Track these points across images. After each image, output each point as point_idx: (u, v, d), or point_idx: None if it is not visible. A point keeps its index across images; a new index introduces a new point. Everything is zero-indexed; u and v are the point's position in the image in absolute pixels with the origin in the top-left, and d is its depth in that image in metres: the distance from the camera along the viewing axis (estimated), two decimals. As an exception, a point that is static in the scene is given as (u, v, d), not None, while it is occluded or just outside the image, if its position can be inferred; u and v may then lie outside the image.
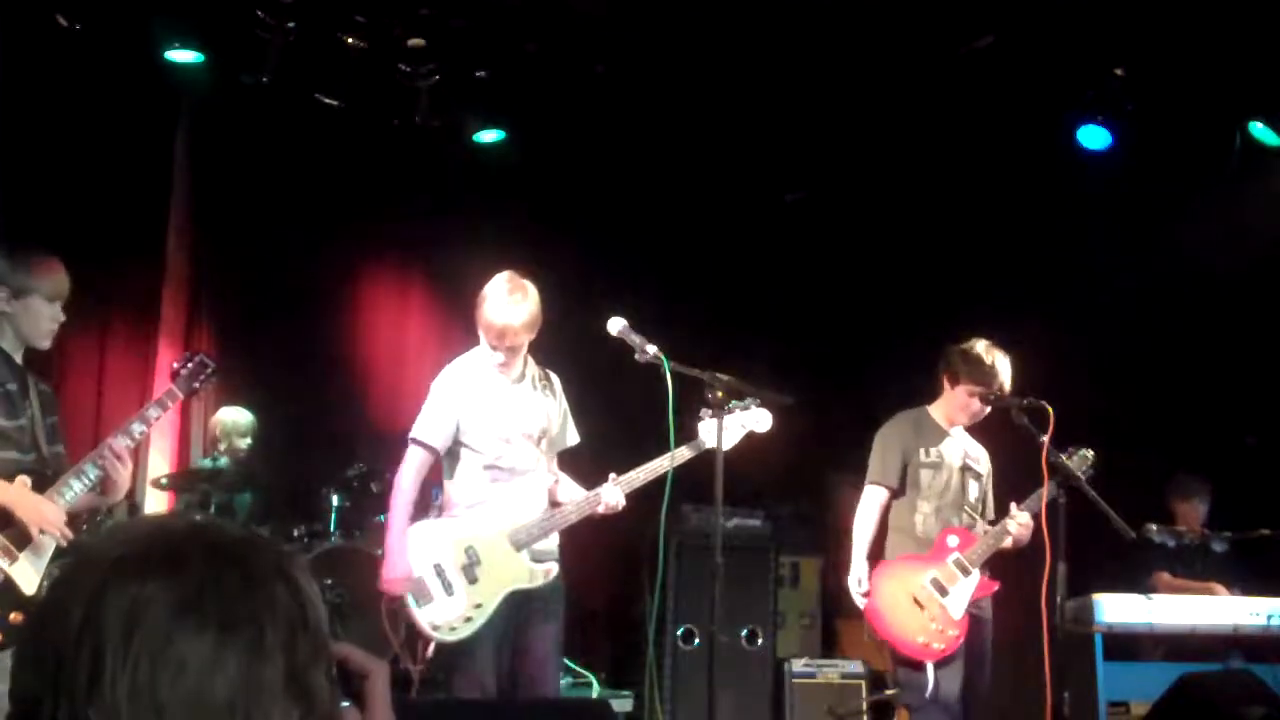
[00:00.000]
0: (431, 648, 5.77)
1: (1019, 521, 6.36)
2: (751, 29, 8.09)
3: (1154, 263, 8.39)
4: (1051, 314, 8.61)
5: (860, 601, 6.50)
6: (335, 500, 8.35)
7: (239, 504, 8.67)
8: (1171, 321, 8.44)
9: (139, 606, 1.28)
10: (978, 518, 6.58)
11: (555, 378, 6.05)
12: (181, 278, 9.32)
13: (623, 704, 8.25)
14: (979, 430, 6.78)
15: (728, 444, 5.65)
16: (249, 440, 8.88)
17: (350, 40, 8.15)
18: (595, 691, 8.42)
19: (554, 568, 5.80)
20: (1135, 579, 7.72)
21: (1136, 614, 7.09)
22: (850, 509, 6.80)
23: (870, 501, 6.61)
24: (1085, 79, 8.25)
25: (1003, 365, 6.53)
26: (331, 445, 9.10)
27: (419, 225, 9.90)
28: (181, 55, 8.01)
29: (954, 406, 6.61)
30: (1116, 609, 7.04)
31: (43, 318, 5.15)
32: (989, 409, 6.54)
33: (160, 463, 9.02)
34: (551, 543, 5.87)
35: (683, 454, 5.76)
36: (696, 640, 8.50)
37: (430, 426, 5.85)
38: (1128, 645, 7.18)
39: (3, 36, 7.64)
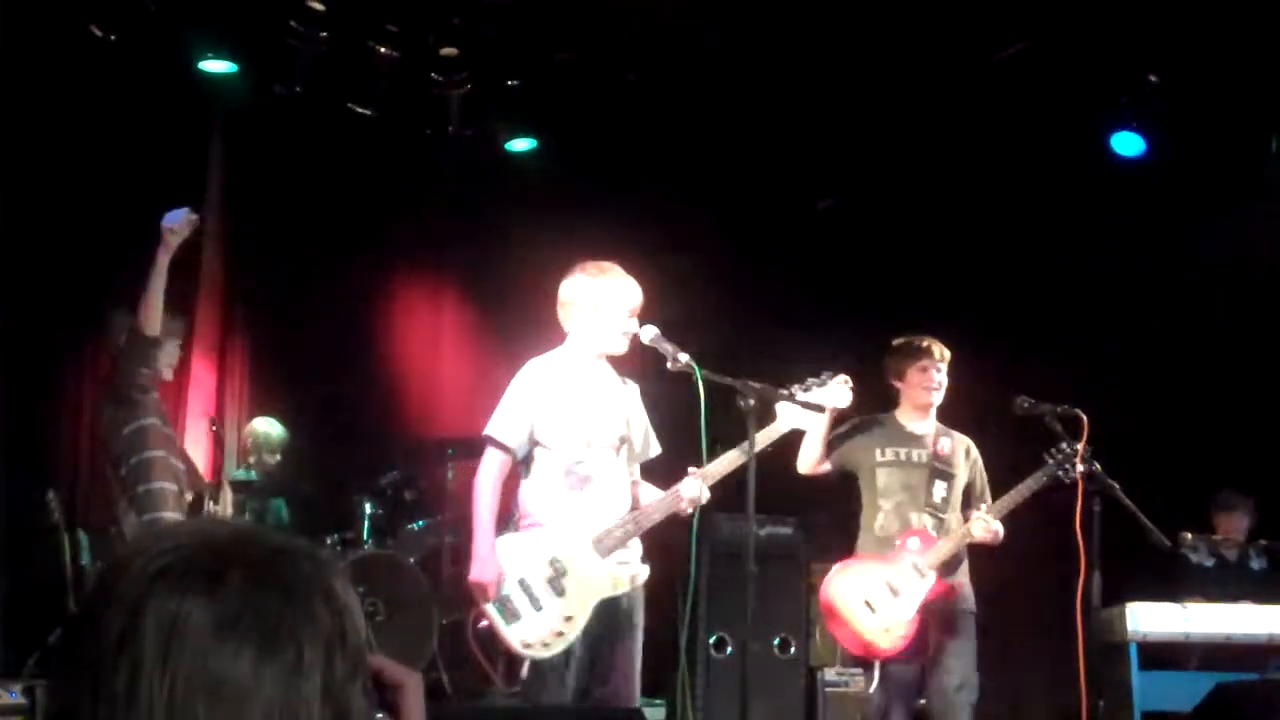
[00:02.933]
0: (526, 667, 5.42)
1: (984, 525, 6.33)
2: (783, 36, 8.09)
3: (1189, 269, 8.34)
4: (1085, 320, 8.58)
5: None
6: (368, 508, 8.36)
7: (274, 509, 8.71)
8: (1207, 328, 8.39)
9: (178, 625, 1.28)
10: (944, 517, 6.54)
11: (634, 387, 5.83)
12: (216, 287, 9.36)
13: (655, 712, 8.22)
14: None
15: (811, 420, 5.73)
16: (278, 456, 8.90)
17: (383, 50, 8.18)
18: (627, 700, 8.40)
19: (641, 573, 5.57)
20: (1171, 588, 7.66)
21: (1172, 623, 7.05)
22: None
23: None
24: (1119, 85, 8.23)
25: (929, 339, 6.64)
26: (364, 453, 9.13)
27: (452, 234, 9.92)
28: (215, 66, 8.06)
29: (914, 394, 6.64)
30: (1151, 618, 7.00)
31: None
32: (941, 375, 6.58)
33: (195, 471, 9.06)
34: (635, 548, 5.63)
35: (769, 436, 5.65)
36: (729, 649, 8.48)
37: (506, 424, 5.53)
38: (1163, 654, 7.13)
39: (38, 47, 7.69)
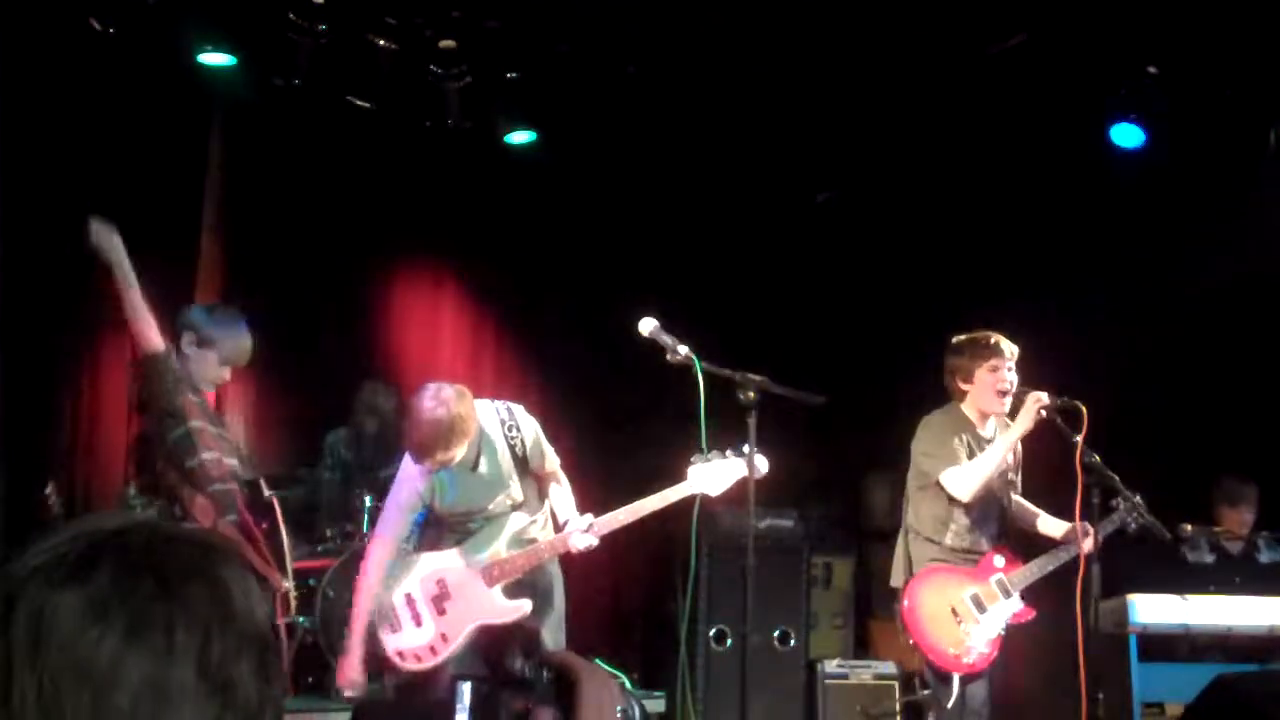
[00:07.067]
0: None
1: (1094, 541, 6.21)
2: (783, 29, 8.09)
3: (1188, 261, 8.34)
4: (1084, 312, 8.58)
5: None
6: (368, 501, 8.36)
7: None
8: (1207, 320, 8.39)
9: (47, 616, 1.28)
10: (1010, 529, 6.50)
11: (518, 414, 5.94)
12: (214, 279, 9.35)
13: (655, 704, 8.24)
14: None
15: (719, 489, 5.67)
16: (376, 419, 9.06)
17: (381, 42, 8.17)
18: (628, 692, 8.42)
19: (527, 605, 5.80)
20: (1169, 583, 7.64)
21: (1172, 615, 7.04)
22: (882, 509, 6.76)
23: (959, 481, 6.23)
24: (1118, 77, 8.22)
25: (995, 335, 6.38)
26: (364, 445, 9.12)
27: (450, 226, 9.92)
28: (214, 58, 8.04)
29: (983, 398, 6.37)
30: (1152, 610, 7.00)
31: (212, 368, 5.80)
32: (1013, 374, 6.33)
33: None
34: (535, 576, 5.90)
35: (667, 497, 5.69)
36: (729, 641, 8.49)
37: (398, 512, 5.93)
38: (1162, 645, 7.14)
39: (37, 40, 7.69)
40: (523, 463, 5.89)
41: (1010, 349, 6.36)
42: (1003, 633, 6.29)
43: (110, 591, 1.30)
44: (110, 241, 5.43)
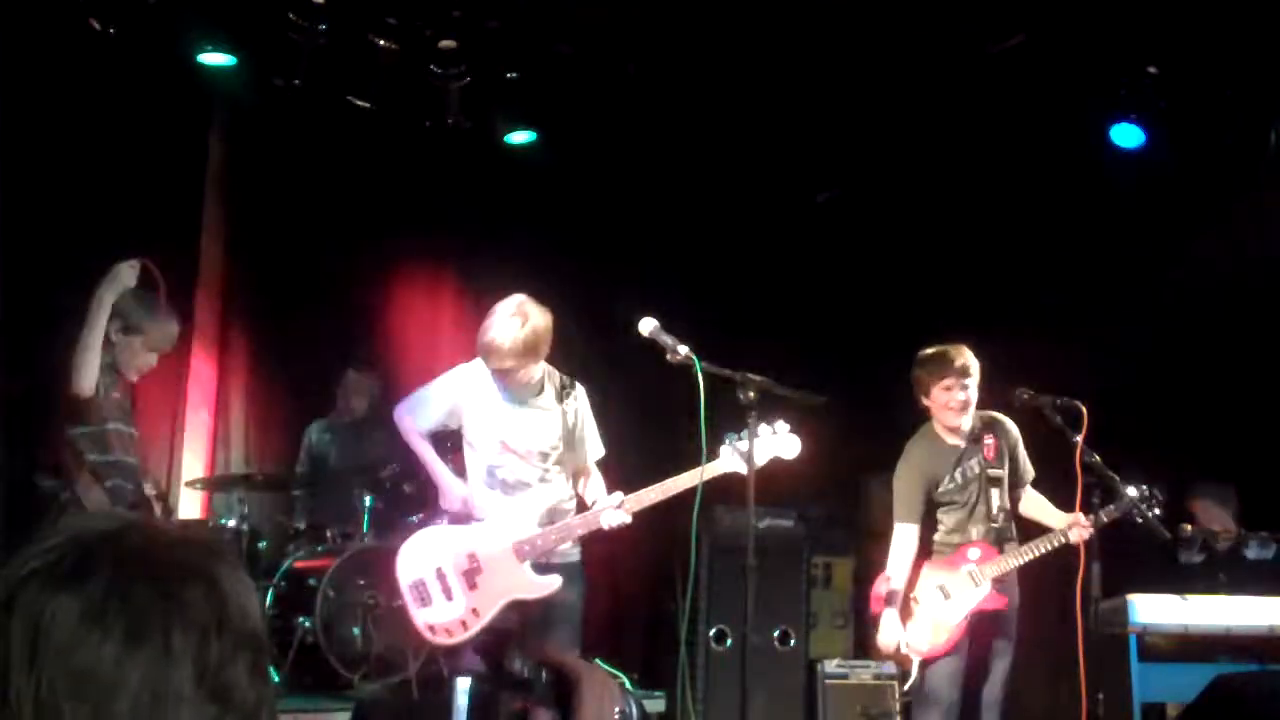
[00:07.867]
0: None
1: (1081, 532, 6.24)
2: (783, 28, 8.09)
3: (1187, 262, 8.34)
4: (1084, 312, 8.57)
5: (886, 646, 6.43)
6: (368, 501, 8.37)
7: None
8: (1203, 321, 8.38)
9: (45, 619, 1.28)
10: (999, 526, 6.49)
11: (580, 391, 6.01)
12: (215, 279, 9.37)
13: (655, 704, 8.24)
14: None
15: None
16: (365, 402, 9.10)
17: (381, 42, 8.17)
18: (627, 692, 8.41)
19: (557, 581, 5.76)
20: (1165, 583, 7.64)
21: (1172, 615, 7.04)
22: (882, 509, 6.77)
23: (904, 540, 6.44)
24: (1118, 77, 8.21)
25: (956, 351, 6.43)
26: (365, 445, 9.12)
27: (450, 226, 9.92)
28: (214, 58, 8.04)
29: (940, 414, 6.48)
30: (1151, 610, 7.00)
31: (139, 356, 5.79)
32: (966, 394, 6.42)
33: (195, 465, 9.07)
34: (563, 554, 5.89)
35: (698, 475, 5.66)
36: (729, 641, 8.49)
37: (418, 405, 6.03)
38: (1162, 646, 7.13)
39: (37, 41, 7.69)
40: (569, 435, 5.92)
41: (967, 365, 6.41)
42: (990, 609, 6.35)
43: (108, 594, 1.29)
44: (106, 286, 5.57)
